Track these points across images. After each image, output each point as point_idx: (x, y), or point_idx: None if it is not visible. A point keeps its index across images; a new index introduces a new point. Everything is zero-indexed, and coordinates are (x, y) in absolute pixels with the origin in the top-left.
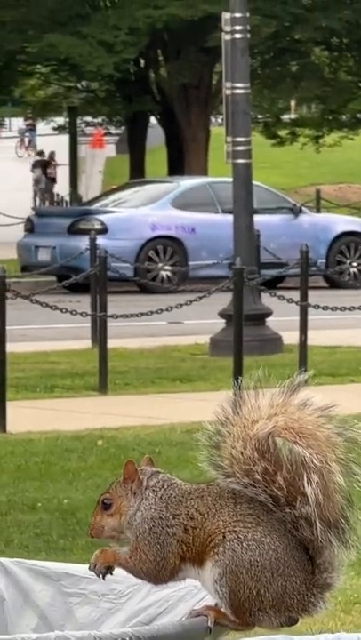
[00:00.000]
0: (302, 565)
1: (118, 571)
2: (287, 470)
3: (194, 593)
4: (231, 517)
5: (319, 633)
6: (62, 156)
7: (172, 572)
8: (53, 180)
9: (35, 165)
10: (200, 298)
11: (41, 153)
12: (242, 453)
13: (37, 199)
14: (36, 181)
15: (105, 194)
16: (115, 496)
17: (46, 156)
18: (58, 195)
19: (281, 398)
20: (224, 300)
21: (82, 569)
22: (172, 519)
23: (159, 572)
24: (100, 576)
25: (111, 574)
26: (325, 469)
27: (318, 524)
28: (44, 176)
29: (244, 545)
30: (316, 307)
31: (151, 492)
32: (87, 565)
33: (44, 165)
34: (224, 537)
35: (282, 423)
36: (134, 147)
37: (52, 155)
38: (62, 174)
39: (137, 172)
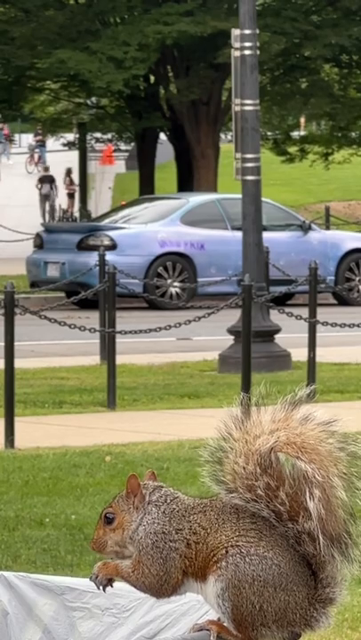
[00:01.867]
0: (305, 580)
1: (122, 585)
2: (290, 485)
3: (197, 607)
4: (234, 532)
5: None
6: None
7: (175, 587)
8: (72, 196)
9: (43, 181)
10: (209, 314)
11: (47, 169)
12: (244, 469)
13: (47, 215)
14: (46, 197)
15: (114, 210)
16: (117, 510)
17: (50, 172)
18: (67, 210)
19: (283, 413)
20: (233, 316)
21: (85, 583)
22: (174, 534)
23: (162, 587)
24: (101, 588)
25: (111, 587)
26: (328, 484)
27: (321, 538)
28: (52, 191)
29: (247, 560)
30: (325, 324)
31: (154, 507)
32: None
33: (52, 181)
34: (227, 552)
35: (284, 438)
36: (144, 163)
37: (69, 171)
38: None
39: (146, 189)
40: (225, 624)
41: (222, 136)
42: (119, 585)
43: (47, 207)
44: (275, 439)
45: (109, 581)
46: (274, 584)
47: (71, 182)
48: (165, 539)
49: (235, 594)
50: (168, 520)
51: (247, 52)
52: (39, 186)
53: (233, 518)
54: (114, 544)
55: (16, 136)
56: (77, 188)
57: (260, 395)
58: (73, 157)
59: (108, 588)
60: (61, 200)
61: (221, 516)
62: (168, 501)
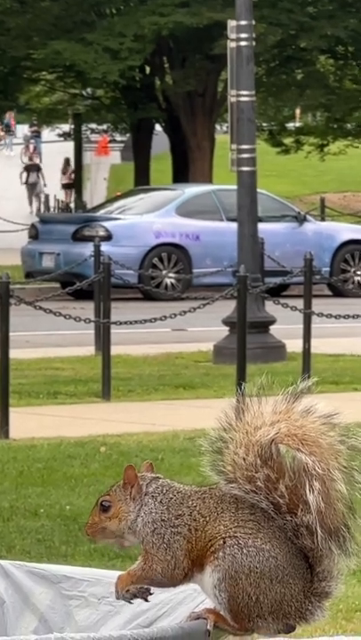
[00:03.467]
0: (301, 573)
1: (117, 573)
2: (289, 478)
3: (194, 596)
4: (232, 522)
5: (318, 637)
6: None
7: (185, 571)
8: (69, 186)
9: (29, 169)
10: (204, 305)
11: (32, 157)
12: (244, 460)
13: (35, 203)
14: (33, 186)
15: (109, 201)
16: (114, 500)
17: (36, 160)
18: (65, 201)
19: (284, 405)
20: (228, 307)
21: (81, 571)
22: (174, 520)
23: (173, 572)
24: (131, 601)
25: (150, 593)
26: (328, 477)
27: (319, 532)
28: (39, 180)
29: (245, 551)
30: (320, 315)
31: (150, 499)
32: (87, 568)
33: (39, 169)
34: (224, 542)
35: (285, 430)
36: (139, 154)
37: (67, 161)
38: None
39: (142, 180)
40: (221, 613)
41: (218, 127)
42: (115, 573)
43: (35, 196)
44: (276, 430)
45: (141, 592)
46: (270, 576)
47: (71, 172)
48: (165, 525)
49: (231, 585)
50: (166, 508)
51: (243, 44)
52: (25, 174)
53: (232, 508)
54: (108, 532)
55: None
56: (72, 178)
57: (261, 385)
58: (68, 148)
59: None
60: (52, 190)
61: (220, 505)
62: (164, 492)
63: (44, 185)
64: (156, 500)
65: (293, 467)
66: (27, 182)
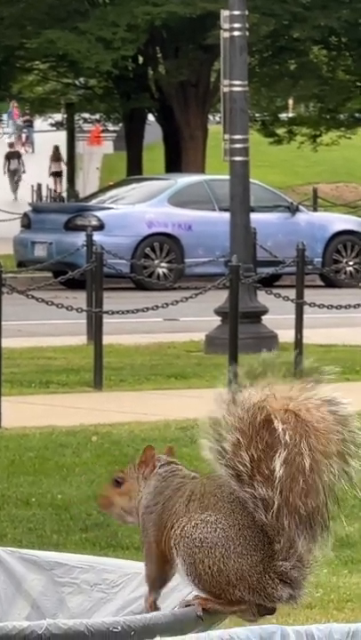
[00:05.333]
0: (256, 545)
1: (111, 560)
2: (261, 450)
3: (185, 584)
4: (185, 512)
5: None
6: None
7: (163, 558)
8: (58, 174)
9: (10, 157)
10: (196, 295)
11: (12, 145)
12: (227, 421)
13: (18, 191)
14: (14, 172)
15: (102, 190)
16: (128, 477)
17: (15, 148)
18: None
19: (301, 391)
20: (220, 297)
21: (74, 558)
22: (153, 506)
23: (153, 557)
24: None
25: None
26: (297, 450)
27: (276, 504)
28: (20, 166)
29: (192, 524)
30: (312, 305)
31: (154, 481)
32: (79, 555)
33: (19, 156)
34: (181, 530)
35: (279, 403)
36: (131, 144)
37: (56, 149)
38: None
39: (134, 169)
40: (202, 595)
41: (210, 117)
42: (108, 560)
43: (13, 183)
44: (267, 397)
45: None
46: (223, 545)
47: (60, 159)
48: (147, 511)
49: (191, 562)
50: (153, 495)
51: (236, 34)
52: (6, 163)
53: (186, 500)
54: (119, 507)
55: (4, 116)
56: (62, 166)
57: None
58: (61, 138)
59: (101, 566)
60: (43, 179)
61: (186, 496)
62: (165, 478)
63: (23, 172)
64: (154, 485)
65: (274, 441)
66: (8, 170)
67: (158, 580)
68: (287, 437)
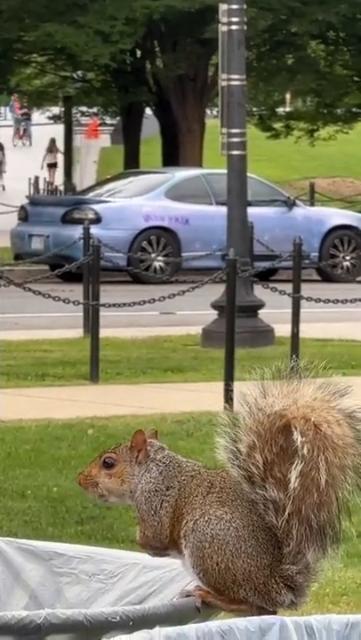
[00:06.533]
0: (267, 548)
1: (109, 551)
2: (275, 453)
3: (184, 574)
4: (202, 502)
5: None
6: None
7: (172, 537)
8: (54, 166)
9: None
10: (193, 289)
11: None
12: (256, 420)
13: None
14: None
15: (99, 184)
16: (119, 459)
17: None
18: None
19: (327, 396)
20: (217, 291)
21: (72, 548)
22: (166, 490)
23: (161, 536)
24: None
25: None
26: (314, 464)
27: (288, 511)
28: (3, 158)
29: (206, 518)
30: (309, 299)
31: (155, 466)
32: (78, 545)
33: (2, 148)
34: (194, 522)
35: (301, 411)
36: (129, 137)
37: (53, 141)
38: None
39: (131, 163)
40: (205, 588)
41: (208, 111)
42: (106, 551)
43: None
44: (290, 406)
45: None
46: (234, 544)
47: (56, 151)
48: (158, 494)
49: (199, 556)
50: (162, 480)
51: (234, 27)
52: None
53: (208, 489)
54: (104, 489)
55: (2, 109)
56: (57, 158)
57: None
58: (58, 131)
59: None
60: (42, 172)
61: (201, 486)
62: (167, 463)
63: (4, 163)
64: (158, 470)
65: (290, 447)
66: None
67: (158, 550)
68: (305, 450)
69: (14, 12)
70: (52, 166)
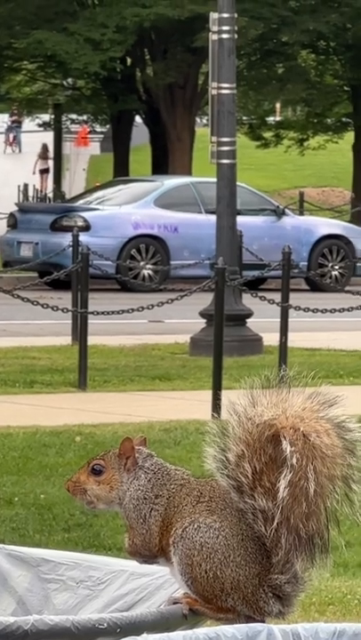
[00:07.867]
0: (256, 558)
1: (97, 557)
2: (264, 463)
3: (172, 581)
4: (192, 511)
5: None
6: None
7: (160, 546)
8: (46, 171)
9: None
10: (181, 297)
11: None
12: (235, 433)
13: None
14: None
15: (88, 191)
16: (108, 466)
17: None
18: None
19: (316, 406)
20: (205, 299)
21: (60, 555)
22: (155, 499)
23: (150, 544)
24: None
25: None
26: (303, 474)
27: (276, 520)
28: None
29: (195, 526)
30: (298, 308)
31: (143, 474)
32: (65, 552)
33: None
34: (183, 530)
35: (304, 428)
36: (118, 145)
37: (45, 147)
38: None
39: (121, 171)
40: (193, 596)
41: (198, 120)
42: (94, 558)
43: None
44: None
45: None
46: (223, 553)
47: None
48: (146, 502)
49: (188, 564)
50: (151, 488)
51: (225, 36)
52: None
53: (197, 499)
54: (92, 495)
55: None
56: (49, 164)
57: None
58: (48, 138)
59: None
60: (31, 179)
61: (191, 494)
62: (155, 471)
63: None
64: (146, 478)
65: (278, 456)
66: None
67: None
68: (294, 460)
69: (4, 18)
70: (45, 172)
